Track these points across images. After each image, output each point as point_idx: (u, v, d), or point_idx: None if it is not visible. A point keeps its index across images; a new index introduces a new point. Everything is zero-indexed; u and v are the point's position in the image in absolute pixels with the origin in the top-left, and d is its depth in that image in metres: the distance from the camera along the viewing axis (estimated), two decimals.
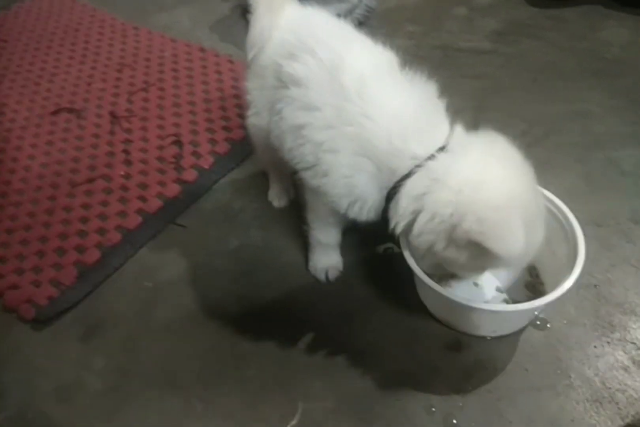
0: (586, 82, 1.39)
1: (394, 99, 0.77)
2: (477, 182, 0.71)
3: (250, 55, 0.94)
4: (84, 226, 1.15)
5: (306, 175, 0.85)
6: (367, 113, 0.75)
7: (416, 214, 0.74)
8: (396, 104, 0.76)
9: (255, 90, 0.96)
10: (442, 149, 0.74)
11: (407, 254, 0.85)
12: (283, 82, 0.85)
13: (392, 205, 0.78)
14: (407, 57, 1.45)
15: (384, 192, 0.78)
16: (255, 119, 0.98)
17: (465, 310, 0.84)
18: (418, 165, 0.74)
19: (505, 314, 0.84)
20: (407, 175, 0.74)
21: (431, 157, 0.74)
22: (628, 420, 0.81)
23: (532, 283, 0.96)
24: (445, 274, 0.89)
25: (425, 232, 0.75)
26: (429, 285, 0.82)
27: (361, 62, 0.79)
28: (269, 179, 1.18)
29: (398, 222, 0.77)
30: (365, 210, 0.82)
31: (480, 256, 0.71)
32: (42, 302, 1.02)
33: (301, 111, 0.81)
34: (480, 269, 0.82)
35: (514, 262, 0.75)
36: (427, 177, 0.73)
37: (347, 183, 0.79)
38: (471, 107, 1.34)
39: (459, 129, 0.78)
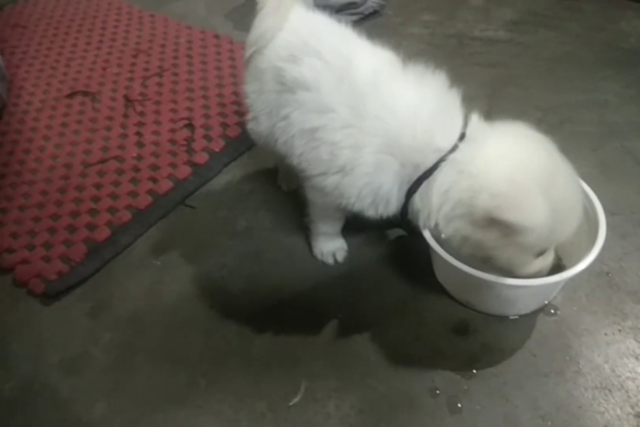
0: (603, 72, 1.37)
1: (410, 94, 0.76)
2: (491, 161, 0.71)
3: (247, 54, 0.90)
4: (95, 205, 1.16)
5: (319, 178, 0.82)
6: (388, 108, 0.74)
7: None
8: (414, 98, 0.75)
9: (254, 94, 0.92)
10: (461, 138, 0.74)
11: (426, 233, 0.83)
12: (287, 86, 0.82)
13: (415, 200, 0.77)
14: (422, 46, 1.48)
15: (405, 188, 0.77)
16: (254, 124, 0.94)
17: (488, 285, 0.81)
18: (442, 159, 0.73)
19: (531, 288, 0.81)
20: (431, 170, 0.74)
21: (453, 148, 0.73)
22: (638, 408, 0.79)
23: None
24: None
25: (451, 220, 0.74)
26: (449, 261, 0.80)
27: (369, 60, 0.79)
28: (278, 165, 1.18)
29: (428, 218, 0.77)
30: (385, 208, 0.81)
31: (507, 233, 0.70)
32: (51, 277, 1.03)
33: (313, 114, 0.79)
34: (521, 251, 0.74)
35: (547, 235, 0.70)
36: (454, 171, 0.73)
37: (370, 182, 0.77)
38: (485, 96, 1.33)
39: (474, 116, 0.77)
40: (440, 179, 0.73)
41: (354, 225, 0.99)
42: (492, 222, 0.69)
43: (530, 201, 0.67)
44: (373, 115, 0.75)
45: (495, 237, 0.72)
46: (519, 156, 0.72)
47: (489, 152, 0.73)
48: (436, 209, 0.75)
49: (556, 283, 0.81)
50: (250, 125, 0.97)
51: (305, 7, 0.93)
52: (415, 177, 0.75)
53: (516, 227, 0.67)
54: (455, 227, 0.75)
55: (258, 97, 0.91)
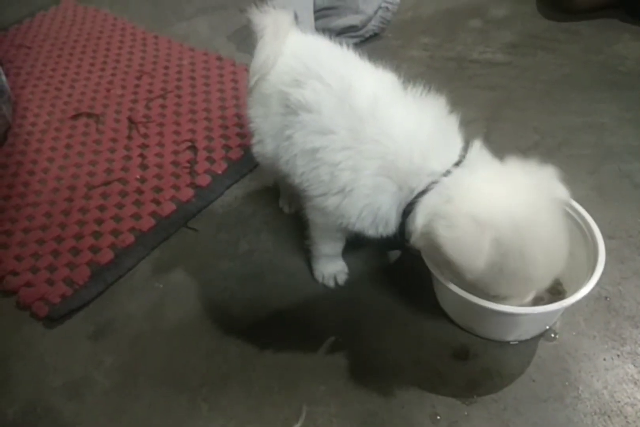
0: (600, 95, 1.39)
1: (409, 118, 0.78)
2: (470, 192, 0.72)
3: (252, 82, 0.93)
4: (99, 227, 1.18)
5: (320, 199, 0.84)
6: (386, 132, 0.76)
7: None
8: (412, 123, 0.77)
9: (259, 118, 0.94)
10: (457, 163, 0.76)
11: (428, 261, 0.85)
12: (291, 108, 0.85)
13: (409, 220, 0.79)
14: (421, 68, 1.50)
15: (401, 209, 0.79)
16: (259, 147, 0.97)
17: (488, 312, 0.81)
18: (434, 182, 0.75)
19: (531, 316, 0.82)
20: (424, 192, 0.75)
21: (446, 173, 0.75)
22: None
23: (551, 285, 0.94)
24: None
25: (419, 236, 0.77)
26: (452, 289, 0.80)
27: (369, 85, 0.81)
28: (279, 187, 1.19)
29: (416, 238, 0.79)
30: (384, 228, 0.83)
31: (449, 263, 0.72)
32: (55, 300, 1.04)
33: (314, 135, 0.81)
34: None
35: (489, 282, 0.74)
36: (438, 193, 0.74)
37: (369, 203, 0.79)
38: (484, 118, 1.35)
39: (477, 144, 0.79)
40: (426, 199, 0.75)
41: (355, 245, 1.00)
42: (439, 248, 0.72)
43: (475, 245, 0.68)
44: (371, 139, 0.77)
45: (443, 261, 0.74)
46: (498, 197, 0.72)
47: (474, 183, 0.73)
48: (421, 229, 0.77)
49: (556, 311, 0.81)
50: (255, 149, 0.99)
51: (309, 31, 0.95)
52: (410, 199, 0.77)
53: (453, 263, 0.69)
54: (419, 244, 0.79)
55: (264, 121, 0.94)
